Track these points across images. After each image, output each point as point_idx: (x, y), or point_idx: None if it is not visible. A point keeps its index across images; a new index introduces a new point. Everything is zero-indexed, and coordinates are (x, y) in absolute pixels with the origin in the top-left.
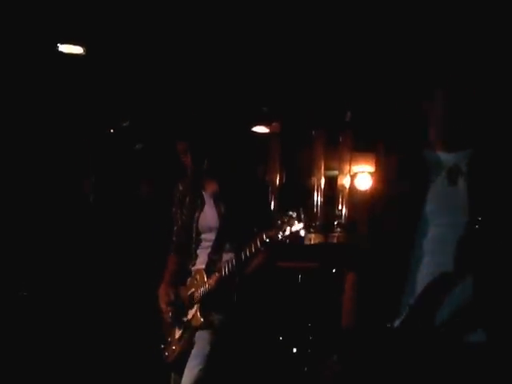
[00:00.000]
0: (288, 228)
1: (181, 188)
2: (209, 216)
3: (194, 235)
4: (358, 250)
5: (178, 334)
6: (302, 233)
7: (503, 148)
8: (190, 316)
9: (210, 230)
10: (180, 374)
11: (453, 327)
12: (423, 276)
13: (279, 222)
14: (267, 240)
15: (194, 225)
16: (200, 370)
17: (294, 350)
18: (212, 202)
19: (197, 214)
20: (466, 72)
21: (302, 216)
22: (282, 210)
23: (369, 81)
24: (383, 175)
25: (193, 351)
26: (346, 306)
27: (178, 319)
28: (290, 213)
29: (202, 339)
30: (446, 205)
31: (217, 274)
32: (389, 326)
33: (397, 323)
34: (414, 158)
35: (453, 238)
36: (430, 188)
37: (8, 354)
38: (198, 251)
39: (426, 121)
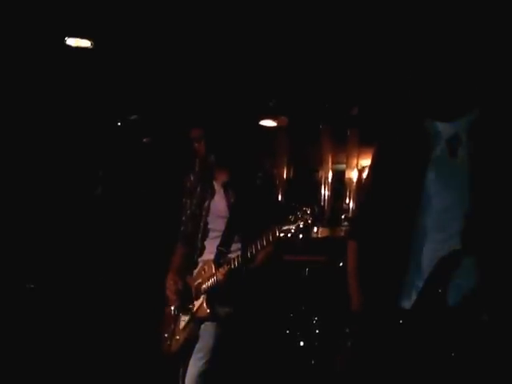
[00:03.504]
0: (302, 223)
1: (192, 178)
2: (219, 205)
3: (201, 224)
4: (359, 219)
5: (182, 323)
6: (315, 228)
7: (505, 113)
8: (196, 307)
9: (219, 219)
10: (184, 363)
11: (466, 308)
12: (427, 253)
13: (293, 216)
14: (281, 235)
15: (203, 214)
16: (205, 362)
17: (301, 343)
18: (222, 191)
19: (206, 204)
20: (460, 42)
21: (316, 211)
22: (293, 205)
23: (376, 75)
24: (384, 149)
25: (198, 344)
26: (351, 280)
27: (184, 309)
28: (304, 208)
29: (207, 332)
30: (448, 178)
31: (226, 267)
32: (399, 307)
33: (406, 304)
34: (414, 130)
35: (455, 213)
36: (430, 161)
37: (16, 346)
38: (206, 242)
39: (423, 91)
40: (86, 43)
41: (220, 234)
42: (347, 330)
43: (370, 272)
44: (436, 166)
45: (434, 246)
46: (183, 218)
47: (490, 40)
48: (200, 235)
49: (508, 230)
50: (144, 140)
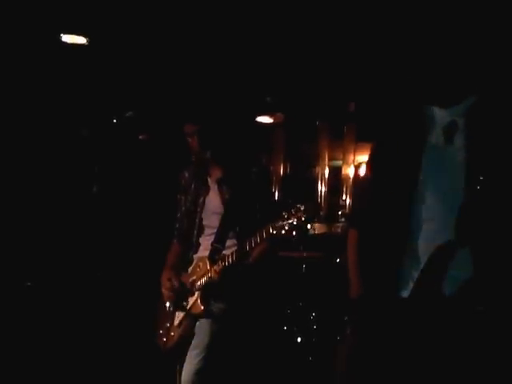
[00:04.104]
0: (295, 220)
1: (186, 175)
2: (213, 202)
3: (197, 221)
4: (359, 209)
5: (177, 320)
6: (309, 226)
7: (503, 100)
8: (190, 303)
9: (213, 215)
10: (180, 360)
11: (461, 297)
12: (423, 243)
13: (286, 213)
14: (274, 232)
15: (198, 210)
16: (201, 359)
17: (299, 339)
18: (216, 187)
19: (201, 200)
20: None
21: (310, 208)
22: (289, 201)
23: (373, 71)
24: (383, 137)
25: (193, 341)
26: (352, 268)
27: (178, 305)
28: (298, 205)
29: (202, 329)
30: (443, 166)
31: (221, 264)
32: (397, 296)
33: (404, 294)
34: (411, 117)
35: (451, 202)
36: (426, 148)
37: (14, 344)
38: (201, 239)
39: (420, 77)
40: (81, 40)
41: (215, 230)
42: (346, 318)
43: (369, 261)
44: (431, 154)
45: (429, 236)
46: (178, 215)
47: (488, 26)
48: (196, 232)
49: (503, 220)
50: (140, 137)
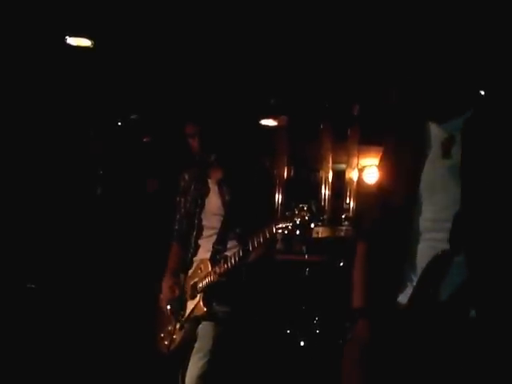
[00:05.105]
0: (299, 220)
1: (186, 177)
2: (213, 203)
3: (196, 222)
4: (368, 220)
5: (179, 323)
6: (312, 224)
7: (499, 109)
8: (192, 306)
9: (213, 217)
10: (183, 363)
11: (453, 304)
12: (423, 254)
13: (290, 213)
14: (277, 231)
15: (198, 212)
16: (205, 363)
17: (302, 342)
18: (217, 189)
19: (200, 201)
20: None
21: (313, 208)
22: (292, 204)
23: (376, 74)
24: (388, 150)
25: (197, 344)
26: (357, 278)
27: (179, 308)
28: (301, 205)
29: (205, 332)
30: (441, 179)
31: (224, 265)
32: (396, 302)
33: (402, 300)
34: (412, 132)
35: (448, 214)
36: (426, 163)
37: (16, 346)
38: (200, 241)
39: (418, 92)
40: (86, 42)
41: (214, 231)
42: (347, 325)
43: (375, 272)
44: (430, 168)
45: (429, 246)
46: (177, 217)
47: (484, 40)
48: (195, 233)
49: (497, 229)
50: (144, 139)
